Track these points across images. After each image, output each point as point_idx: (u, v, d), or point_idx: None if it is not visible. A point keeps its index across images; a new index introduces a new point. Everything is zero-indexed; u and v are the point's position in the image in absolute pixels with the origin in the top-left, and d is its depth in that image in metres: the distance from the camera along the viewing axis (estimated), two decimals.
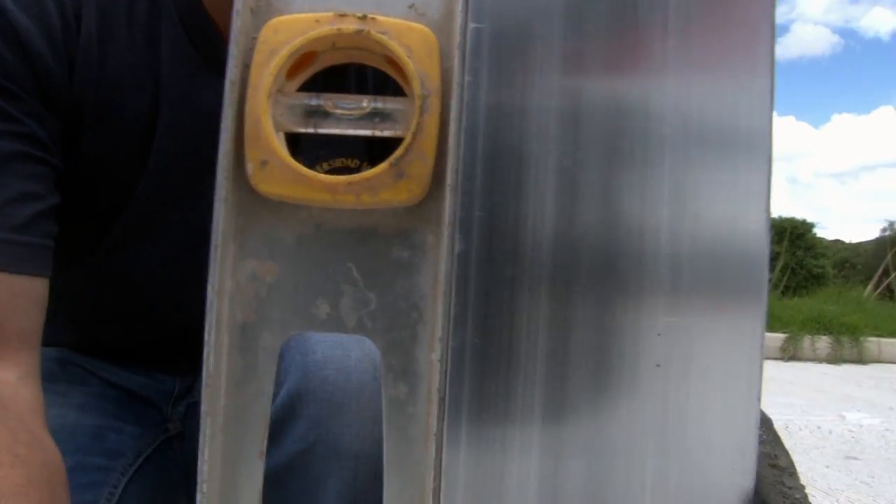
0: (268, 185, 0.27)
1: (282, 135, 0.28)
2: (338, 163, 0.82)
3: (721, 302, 0.30)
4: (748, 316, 0.30)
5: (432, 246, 0.28)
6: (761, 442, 0.27)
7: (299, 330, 0.28)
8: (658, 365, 0.27)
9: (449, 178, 0.27)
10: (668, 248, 0.28)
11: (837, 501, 2.35)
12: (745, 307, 0.30)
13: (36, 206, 0.63)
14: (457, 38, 0.28)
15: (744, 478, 0.30)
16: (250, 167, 0.27)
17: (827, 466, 2.73)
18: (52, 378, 0.77)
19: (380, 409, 0.63)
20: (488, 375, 0.27)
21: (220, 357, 0.27)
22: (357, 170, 0.84)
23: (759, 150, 0.29)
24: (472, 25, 0.27)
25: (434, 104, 0.27)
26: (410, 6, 0.29)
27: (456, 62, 0.27)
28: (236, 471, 0.28)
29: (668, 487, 0.29)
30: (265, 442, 0.28)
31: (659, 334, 0.27)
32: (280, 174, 0.27)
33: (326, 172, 0.83)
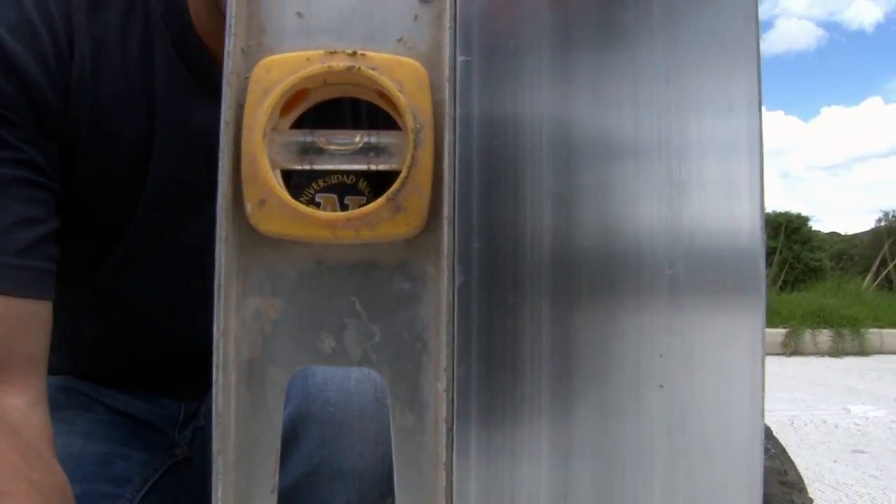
0: (267, 223, 0.27)
1: (278, 172, 0.29)
2: (334, 179, 0.83)
3: (719, 300, 0.30)
4: (747, 313, 0.30)
5: (433, 277, 0.28)
6: (769, 455, 0.27)
7: (305, 365, 0.28)
8: (661, 386, 0.28)
9: (445, 211, 0.27)
10: (664, 252, 0.29)
11: (846, 496, 2.35)
12: (743, 305, 0.30)
13: (37, 231, 0.64)
14: (446, 70, 0.28)
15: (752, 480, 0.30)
16: (249, 206, 0.27)
17: (834, 461, 2.73)
18: (58, 406, 0.78)
19: (381, 429, 0.63)
20: (495, 403, 0.27)
21: (229, 395, 0.28)
22: (353, 185, 0.85)
23: (749, 144, 0.30)
24: (460, 58, 0.28)
25: (427, 137, 0.27)
26: (399, 39, 0.29)
27: (447, 94, 0.28)
28: None
29: (677, 489, 0.29)
30: (276, 477, 0.28)
31: (660, 355, 0.28)
32: (279, 212, 0.27)
33: (323, 189, 0.84)
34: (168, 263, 0.78)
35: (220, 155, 0.28)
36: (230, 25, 0.28)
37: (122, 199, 0.73)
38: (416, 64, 0.28)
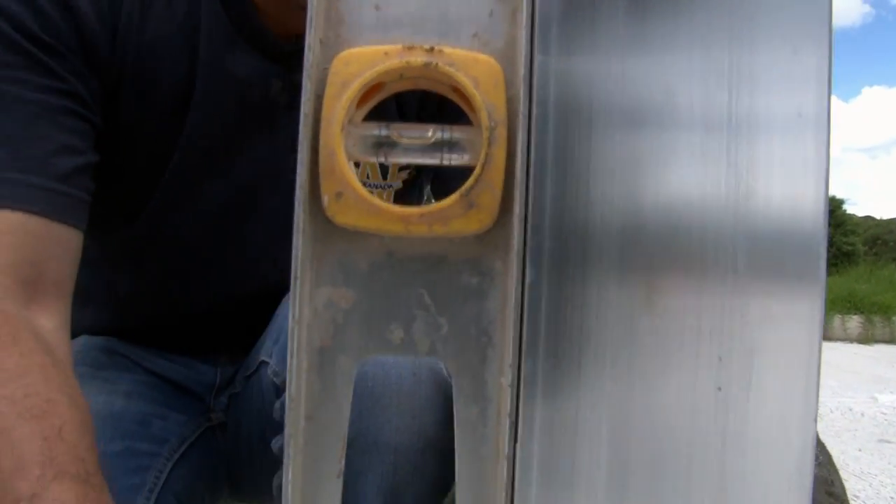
0: (343, 216, 0.28)
1: (353, 164, 0.29)
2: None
3: (780, 285, 0.30)
4: (807, 300, 0.30)
5: (500, 272, 0.29)
6: (818, 463, 0.28)
7: (374, 354, 0.29)
8: (719, 389, 0.28)
9: (517, 209, 0.27)
10: (729, 231, 0.29)
11: (871, 486, 2.34)
12: (803, 291, 0.30)
13: (77, 160, 0.65)
14: (521, 69, 0.28)
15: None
16: (326, 199, 0.28)
17: (859, 450, 2.71)
18: (100, 365, 0.80)
19: (418, 403, 0.64)
20: (559, 400, 0.28)
21: (301, 381, 0.28)
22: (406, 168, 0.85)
23: (816, 125, 0.30)
24: (538, 57, 0.28)
25: (501, 135, 0.28)
26: (474, 35, 0.30)
27: (521, 92, 0.28)
28: (317, 490, 0.29)
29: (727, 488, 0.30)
30: (343, 462, 0.29)
31: (720, 358, 0.28)
32: (355, 205, 0.28)
33: None
34: (204, 215, 0.79)
35: (300, 147, 0.28)
36: (311, 18, 0.29)
37: (160, 144, 0.74)
38: (492, 61, 0.28)
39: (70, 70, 0.65)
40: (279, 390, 0.74)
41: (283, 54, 0.76)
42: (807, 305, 0.30)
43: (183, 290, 0.84)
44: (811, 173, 0.30)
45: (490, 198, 0.28)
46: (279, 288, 0.86)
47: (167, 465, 0.77)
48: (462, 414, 0.29)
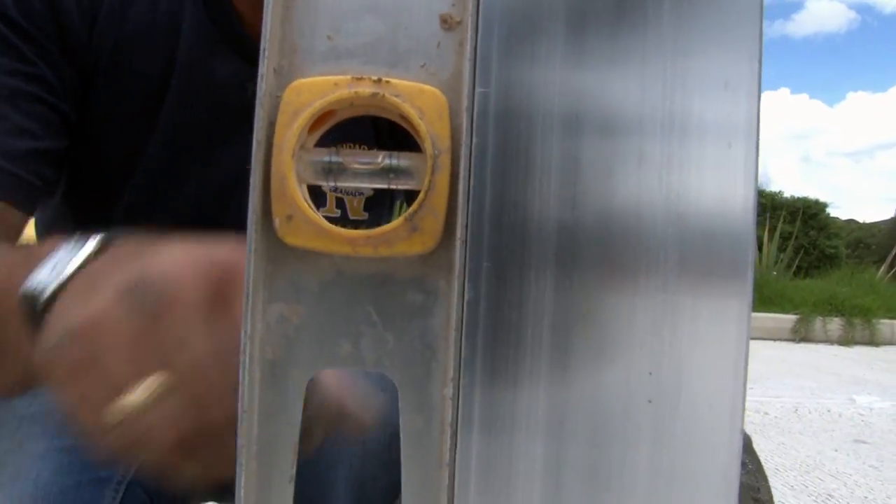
0: (293, 237, 0.29)
1: (304, 187, 0.31)
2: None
3: (708, 283, 0.32)
4: (734, 299, 0.32)
5: (444, 291, 0.30)
6: (745, 471, 0.30)
7: (324, 367, 0.31)
8: (649, 401, 0.30)
9: (458, 232, 0.29)
10: (661, 233, 0.31)
11: (845, 485, 2.38)
12: (730, 290, 0.32)
13: (32, 144, 0.66)
14: (465, 100, 0.30)
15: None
16: (277, 221, 0.29)
17: (835, 450, 2.75)
18: None
19: (385, 397, 0.66)
20: (495, 411, 0.30)
21: (253, 393, 0.30)
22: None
23: (747, 127, 0.31)
24: (479, 90, 0.29)
25: (444, 162, 0.29)
26: (422, 66, 0.31)
27: (464, 122, 0.30)
28: (270, 495, 0.30)
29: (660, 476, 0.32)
30: (294, 468, 0.31)
31: (650, 373, 0.30)
32: (304, 227, 0.29)
33: None
34: (179, 215, 0.81)
35: (252, 172, 0.30)
36: (264, 49, 0.30)
37: (134, 140, 0.75)
38: (437, 92, 0.30)
39: (41, 55, 0.66)
40: None
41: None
42: (735, 303, 0.32)
43: None
44: (741, 174, 0.32)
45: (433, 222, 0.29)
46: None
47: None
48: (407, 424, 0.31)
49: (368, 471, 0.65)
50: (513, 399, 0.30)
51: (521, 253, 0.30)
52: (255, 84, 0.82)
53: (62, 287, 0.40)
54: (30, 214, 0.67)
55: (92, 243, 0.42)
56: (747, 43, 0.32)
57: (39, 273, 0.41)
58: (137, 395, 0.34)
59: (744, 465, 0.33)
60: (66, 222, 0.85)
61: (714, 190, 0.32)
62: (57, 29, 0.67)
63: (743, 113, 0.32)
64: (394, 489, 0.66)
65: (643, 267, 0.31)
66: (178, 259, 0.38)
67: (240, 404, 0.30)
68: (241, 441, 0.30)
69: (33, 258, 0.42)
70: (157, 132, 0.75)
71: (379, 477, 0.65)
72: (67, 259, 0.41)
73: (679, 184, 0.31)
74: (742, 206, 0.32)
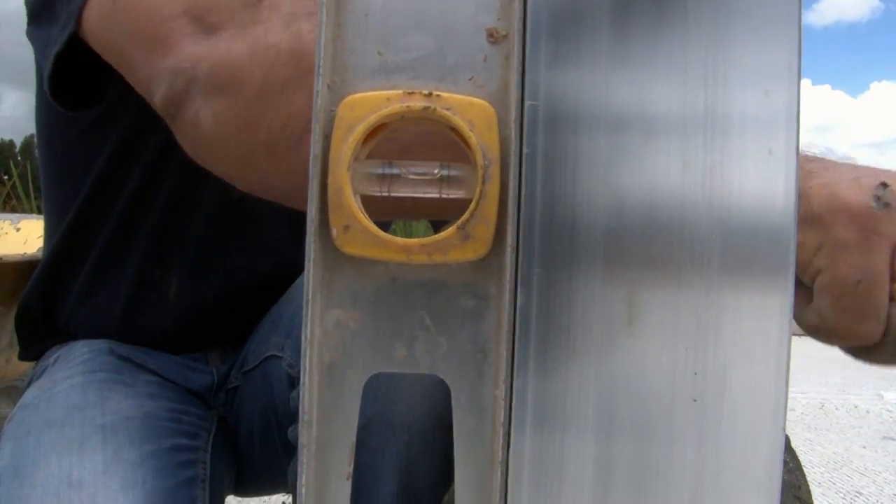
0: (350, 246, 0.31)
1: (359, 198, 0.32)
2: None
3: (750, 280, 0.33)
4: (776, 296, 0.33)
5: (495, 296, 0.31)
6: (787, 469, 0.31)
7: (380, 370, 0.32)
8: (694, 400, 0.31)
9: (509, 239, 0.30)
10: (704, 229, 0.32)
11: (874, 482, 2.35)
12: (772, 287, 0.33)
13: None
14: (513, 112, 0.31)
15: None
16: (335, 231, 0.31)
17: (864, 447, 2.73)
18: (116, 369, 0.84)
19: (428, 383, 0.67)
20: (547, 411, 0.31)
21: (313, 395, 0.31)
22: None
23: (787, 121, 0.32)
24: (528, 103, 0.30)
25: (494, 172, 0.31)
26: (470, 79, 0.32)
27: (513, 133, 0.31)
28: (328, 491, 0.32)
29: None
30: (351, 466, 0.32)
31: (695, 373, 0.31)
32: (361, 237, 0.31)
33: None
34: (205, 214, 0.83)
35: (310, 184, 0.31)
36: (318, 66, 0.32)
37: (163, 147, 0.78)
38: (486, 104, 0.31)
39: None
40: (294, 381, 0.77)
41: None
42: (777, 300, 0.33)
43: (180, 286, 0.88)
44: (782, 170, 0.33)
45: (484, 229, 0.31)
46: (268, 283, 0.89)
47: (206, 456, 0.81)
48: (460, 423, 0.32)
49: (414, 454, 0.66)
50: (563, 399, 0.31)
51: (569, 258, 0.31)
52: None
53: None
54: None
55: None
56: (787, 37, 0.32)
57: None
58: None
59: (784, 463, 0.34)
60: (86, 232, 0.88)
61: (755, 187, 0.32)
62: None
63: (783, 108, 0.32)
64: (437, 473, 0.67)
65: (687, 265, 0.32)
66: None
67: (301, 406, 0.31)
68: (301, 441, 0.31)
69: None
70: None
71: (424, 461, 0.67)
72: None
73: (721, 181, 0.32)
74: (783, 202, 0.32)
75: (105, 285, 0.88)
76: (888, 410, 3.34)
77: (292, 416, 0.78)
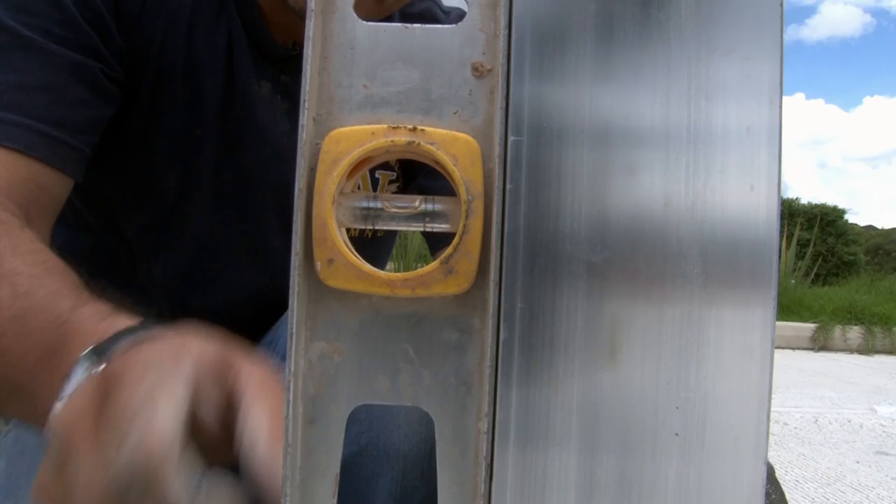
0: (334, 280, 0.31)
1: (343, 231, 0.32)
2: (377, 174, 0.87)
3: (732, 291, 0.33)
4: (759, 307, 0.33)
5: (478, 329, 0.32)
6: (770, 501, 0.31)
7: (363, 402, 0.32)
8: (676, 434, 0.31)
9: (492, 274, 0.31)
10: (687, 241, 0.32)
11: (867, 498, 2.35)
12: (755, 299, 0.33)
13: (86, 113, 0.70)
14: (497, 147, 0.31)
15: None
16: (318, 265, 0.31)
17: (857, 462, 2.73)
18: None
19: (424, 413, 0.68)
20: (530, 445, 0.31)
21: (297, 426, 0.31)
22: (395, 181, 0.89)
23: (769, 134, 0.33)
24: (511, 138, 0.31)
25: (478, 207, 0.31)
26: (455, 112, 0.33)
27: (497, 168, 0.31)
28: None
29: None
30: (335, 497, 0.32)
31: (677, 407, 0.31)
32: (345, 271, 0.31)
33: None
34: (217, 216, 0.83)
35: (294, 217, 0.31)
36: (304, 100, 0.32)
37: (177, 144, 0.78)
38: (470, 139, 0.32)
39: (97, 26, 0.70)
40: None
41: (278, 58, 0.82)
42: (760, 312, 0.33)
43: (184, 297, 0.88)
44: (763, 182, 0.33)
45: (468, 264, 0.31)
46: (267, 299, 0.89)
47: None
48: (443, 455, 0.32)
49: (409, 482, 0.66)
50: (546, 431, 0.31)
51: (552, 291, 0.31)
52: (269, 82, 0.87)
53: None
54: (74, 181, 0.71)
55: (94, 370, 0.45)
56: (768, 48, 0.33)
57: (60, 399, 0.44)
58: None
59: (767, 494, 0.34)
60: (86, 234, 0.88)
61: (737, 198, 0.33)
62: (115, 8, 0.71)
63: (765, 119, 0.33)
64: (432, 501, 0.67)
65: (669, 285, 0.32)
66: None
67: (284, 438, 0.31)
68: (286, 473, 0.31)
69: (57, 352, 0.46)
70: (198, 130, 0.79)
71: (419, 489, 0.67)
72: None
73: (704, 193, 0.32)
74: (765, 214, 0.33)
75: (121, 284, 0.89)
76: (882, 425, 3.34)
77: None
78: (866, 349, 5.65)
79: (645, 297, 0.32)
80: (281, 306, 0.87)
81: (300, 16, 0.76)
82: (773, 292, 0.33)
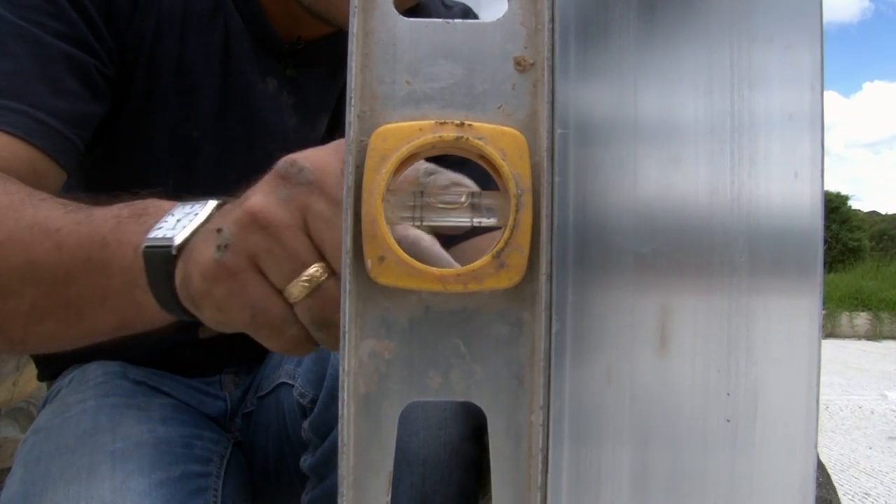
0: (386, 277, 0.31)
1: (390, 227, 0.32)
2: None
3: (778, 280, 0.33)
4: (805, 295, 0.33)
5: (528, 322, 0.32)
6: (818, 484, 0.31)
7: (415, 398, 0.32)
8: (728, 393, 0.31)
9: (543, 267, 0.31)
10: (733, 232, 0.32)
11: (882, 483, 2.35)
12: (801, 286, 0.33)
13: (79, 106, 0.71)
14: (544, 140, 0.31)
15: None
16: (369, 263, 0.31)
17: (870, 448, 2.73)
18: (129, 393, 0.83)
19: (444, 416, 0.68)
20: (583, 436, 0.31)
21: (350, 426, 0.32)
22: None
23: (811, 121, 0.32)
24: (558, 131, 0.31)
25: (527, 201, 0.31)
26: (499, 107, 0.33)
27: (545, 161, 0.31)
28: None
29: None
30: (389, 495, 0.32)
31: (728, 393, 0.31)
32: (396, 268, 0.31)
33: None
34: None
35: (344, 215, 0.31)
36: (349, 98, 0.32)
37: (176, 143, 0.79)
38: (517, 133, 0.32)
39: (88, 22, 0.70)
40: (306, 411, 0.77)
41: (283, 53, 0.82)
42: (806, 302, 0.33)
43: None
44: (807, 170, 0.33)
45: (518, 257, 0.31)
46: None
47: (218, 482, 0.80)
48: (497, 449, 0.32)
49: (429, 487, 0.66)
50: (599, 423, 0.31)
51: (602, 284, 0.31)
52: (275, 78, 0.87)
53: (194, 235, 0.45)
54: (66, 174, 0.71)
55: (212, 204, 0.48)
56: (808, 35, 0.33)
57: (162, 228, 0.46)
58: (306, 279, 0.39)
59: (816, 479, 0.34)
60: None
61: (782, 186, 0.33)
62: (107, 8, 0.71)
63: (807, 106, 0.33)
64: (452, 502, 0.67)
65: (716, 275, 0.32)
66: (319, 151, 0.42)
67: (340, 437, 0.31)
68: (340, 472, 0.31)
69: (142, 213, 0.49)
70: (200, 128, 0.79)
71: (439, 493, 0.67)
72: (192, 215, 0.47)
73: (748, 182, 0.32)
74: (809, 201, 0.33)
75: None
76: (893, 410, 3.34)
77: (303, 446, 0.78)
78: (874, 335, 5.65)
79: (693, 286, 0.33)
80: None
81: (309, 9, 0.76)
82: (819, 280, 0.33)
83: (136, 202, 0.52)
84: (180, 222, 0.46)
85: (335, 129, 0.87)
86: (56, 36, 0.67)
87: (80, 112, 0.70)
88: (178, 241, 0.44)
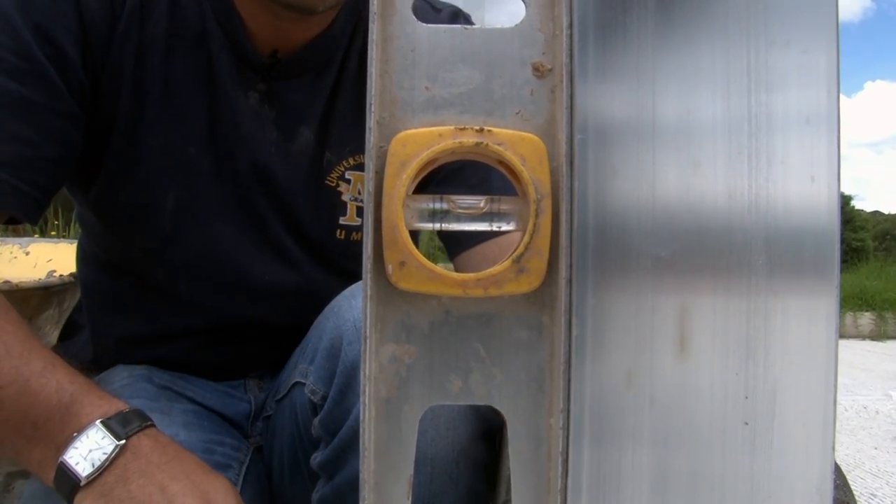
0: (406, 282, 0.31)
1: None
2: (363, 158, 0.87)
3: (796, 282, 0.33)
4: (823, 296, 0.33)
5: (548, 326, 0.32)
6: (835, 486, 0.31)
7: (436, 402, 0.32)
8: (746, 422, 0.31)
9: (563, 272, 0.31)
10: (750, 233, 0.32)
11: (888, 483, 2.35)
12: (819, 288, 0.33)
13: (24, 151, 0.69)
14: (562, 145, 0.31)
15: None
16: (390, 268, 0.31)
17: (875, 448, 2.72)
18: (153, 396, 0.84)
19: (451, 416, 0.68)
20: (604, 439, 0.31)
21: (371, 429, 0.32)
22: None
23: (828, 121, 0.33)
24: (577, 137, 0.31)
25: (547, 206, 0.31)
26: (517, 112, 0.33)
27: (563, 166, 0.31)
28: None
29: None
30: (410, 498, 0.33)
31: (746, 397, 0.31)
32: (417, 273, 0.31)
33: (353, 167, 0.92)
34: (235, 228, 0.84)
35: (364, 220, 0.31)
36: (369, 104, 0.32)
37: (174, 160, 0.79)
38: (536, 139, 0.32)
39: (54, 55, 0.70)
40: (317, 408, 0.77)
41: (261, 67, 0.82)
42: (824, 303, 0.33)
43: (215, 309, 0.88)
44: (824, 170, 0.33)
45: (538, 262, 0.31)
46: (294, 300, 0.89)
47: (237, 488, 0.80)
48: (517, 452, 0.32)
49: (437, 486, 0.67)
50: (619, 427, 0.31)
51: (622, 287, 0.31)
52: (256, 92, 0.88)
53: (95, 476, 0.57)
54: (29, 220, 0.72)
55: (119, 441, 0.60)
56: (825, 39, 0.33)
57: (76, 453, 0.59)
58: None
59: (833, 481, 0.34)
60: (94, 256, 0.89)
61: (799, 188, 0.33)
62: (79, 23, 0.71)
63: (824, 109, 0.33)
64: (460, 502, 0.67)
65: (735, 276, 0.33)
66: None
67: (361, 441, 0.31)
68: (362, 476, 0.32)
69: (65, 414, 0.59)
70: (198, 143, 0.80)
71: (447, 493, 0.67)
72: (100, 450, 0.59)
73: (766, 184, 0.33)
74: (827, 203, 0.33)
75: (136, 313, 0.89)
76: None
77: (314, 444, 0.78)
78: (878, 335, 5.64)
79: (711, 288, 0.33)
80: (314, 297, 0.87)
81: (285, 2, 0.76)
82: (836, 281, 0.34)
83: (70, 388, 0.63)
84: (92, 453, 0.58)
85: (326, 141, 0.87)
86: (13, 75, 0.68)
87: (26, 157, 0.70)
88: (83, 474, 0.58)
